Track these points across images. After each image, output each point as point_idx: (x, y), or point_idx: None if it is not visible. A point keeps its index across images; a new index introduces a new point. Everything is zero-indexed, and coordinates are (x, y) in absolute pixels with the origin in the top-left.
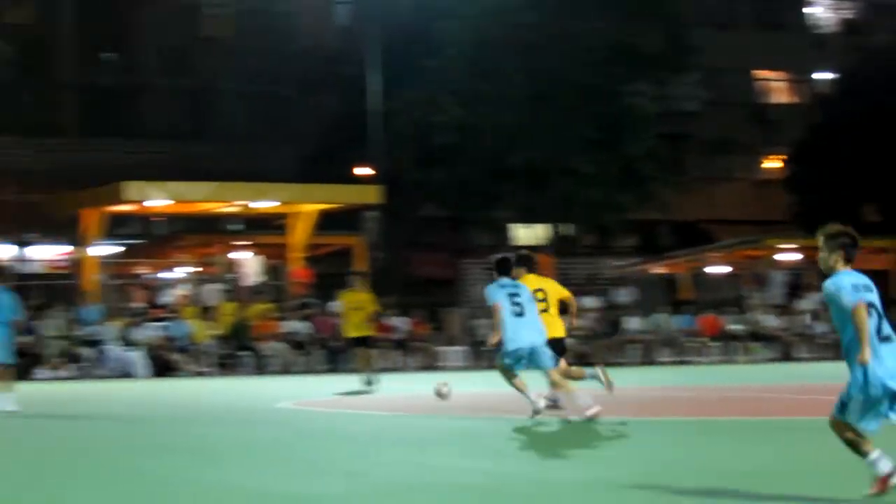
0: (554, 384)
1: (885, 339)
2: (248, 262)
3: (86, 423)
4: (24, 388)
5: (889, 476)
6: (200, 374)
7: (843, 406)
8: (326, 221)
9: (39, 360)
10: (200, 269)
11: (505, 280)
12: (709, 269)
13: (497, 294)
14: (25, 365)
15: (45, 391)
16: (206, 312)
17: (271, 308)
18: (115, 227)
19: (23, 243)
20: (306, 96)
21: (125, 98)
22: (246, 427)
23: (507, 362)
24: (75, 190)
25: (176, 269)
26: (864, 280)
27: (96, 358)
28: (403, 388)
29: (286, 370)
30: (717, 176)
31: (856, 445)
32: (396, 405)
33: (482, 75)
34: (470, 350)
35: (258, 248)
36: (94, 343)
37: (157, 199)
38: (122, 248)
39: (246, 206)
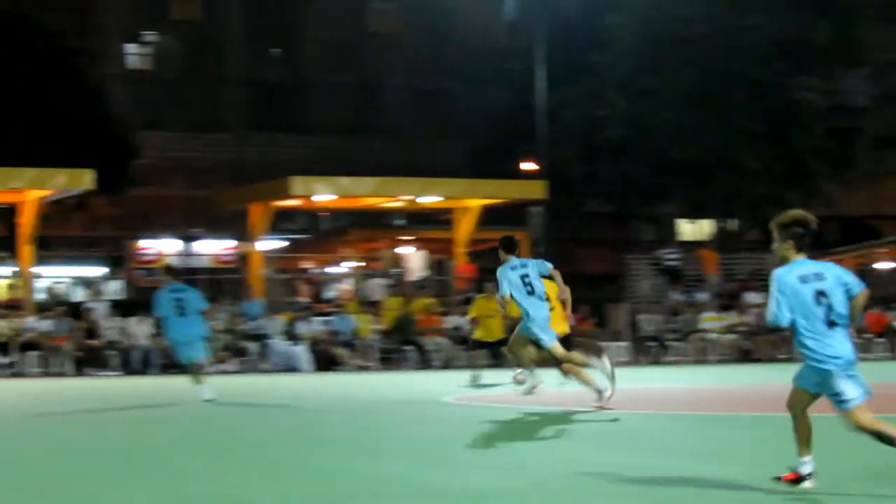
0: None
1: (832, 324)
2: (413, 257)
3: (251, 416)
4: (186, 381)
5: None
6: (364, 368)
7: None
8: (490, 216)
9: None
10: (365, 263)
11: (514, 261)
12: (875, 265)
13: (511, 276)
14: None
15: (211, 385)
16: (370, 307)
17: (435, 303)
18: (281, 222)
19: (189, 238)
20: (472, 91)
21: (291, 93)
22: (409, 421)
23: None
24: (241, 185)
25: (341, 264)
26: (816, 269)
27: (261, 352)
28: (568, 383)
29: (449, 365)
30: (884, 171)
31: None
32: (560, 400)
33: (649, 70)
34: (633, 345)
35: (422, 243)
36: (258, 337)
37: (323, 194)
38: (288, 243)
39: (411, 200)
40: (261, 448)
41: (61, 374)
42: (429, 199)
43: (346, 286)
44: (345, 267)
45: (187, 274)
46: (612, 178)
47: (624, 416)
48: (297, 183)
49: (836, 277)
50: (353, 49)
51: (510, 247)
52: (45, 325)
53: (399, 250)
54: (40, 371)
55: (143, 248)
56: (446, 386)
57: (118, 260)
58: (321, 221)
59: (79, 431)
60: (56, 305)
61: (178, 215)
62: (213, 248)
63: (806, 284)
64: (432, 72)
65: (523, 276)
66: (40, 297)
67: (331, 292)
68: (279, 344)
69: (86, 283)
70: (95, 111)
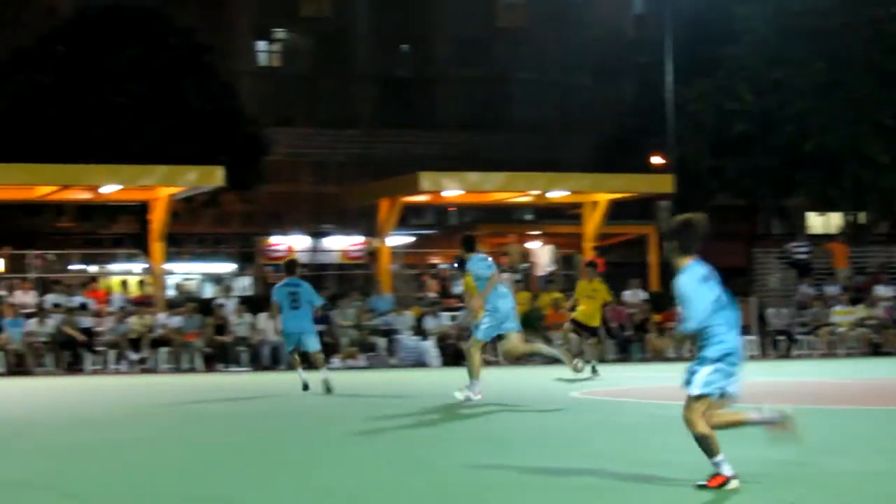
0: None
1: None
2: (540, 252)
3: (379, 411)
4: (313, 377)
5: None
6: (492, 363)
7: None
8: (618, 210)
9: (333, 349)
10: (493, 258)
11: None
12: None
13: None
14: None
15: (339, 380)
16: None
17: (563, 297)
18: (409, 218)
19: (318, 234)
20: (600, 85)
21: (420, 89)
22: (538, 416)
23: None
24: (369, 181)
25: None
26: (707, 269)
27: (389, 348)
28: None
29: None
30: None
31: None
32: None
33: (778, 62)
34: (762, 339)
35: (550, 238)
36: (387, 332)
37: (452, 190)
38: (416, 238)
39: (539, 195)
40: (386, 442)
41: (191, 371)
42: (557, 194)
43: None
44: None
45: (316, 269)
46: (741, 172)
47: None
48: (426, 178)
49: None
50: (482, 44)
51: (471, 245)
52: (176, 321)
53: (527, 245)
54: (170, 367)
55: (272, 245)
56: (574, 381)
57: (248, 256)
58: (449, 217)
59: (214, 427)
60: (186, 302)
61: (307, 211)
62: (341, 243)
63: (706, 283)
64: (560, 66)
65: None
66: (171, 293)
67: (459, 287)
68: (408, 339)
69: (216, 279)
70: (226, 108)
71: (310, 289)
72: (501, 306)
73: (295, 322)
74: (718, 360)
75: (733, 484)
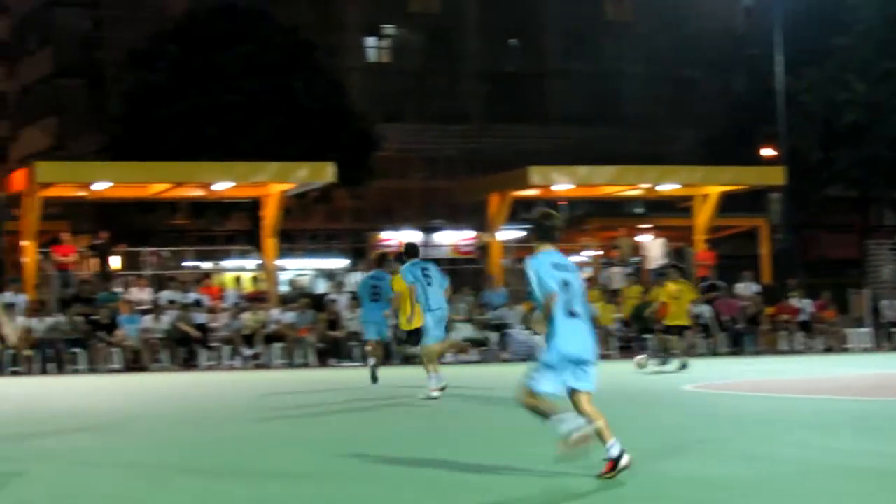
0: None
1: (572, 315)
2: (651, 245)
3: (491, 407)
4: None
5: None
6: (603, 357)
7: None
8: (729, 202)
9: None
10: (604, 252)
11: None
12: None
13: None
14: None
15: (452, 374)
16: (610, 295)
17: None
18: (520, 212)
19: (429, 229)
20: (709, 77)
21: (529, 84)
22: (649, 410)
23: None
24: (479, 175)
25: (580, 253)
26: (563, 260)
27: (501, 342)
28: (807, 370)
29: (689, 353)
30: None
31: (538, 410)
32: (799, 387)
33: (889, 51)
34: (875, 331)
35: (661, 231)
36: (499, 327)
37: (562, 184)
38: (527, 233)
39: (650, 188)
40: (499, 438)
41: (304, 366)
42: (667, 187)
43: (586, 275)
44: (584, 256)
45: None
46: (852, 163)
47: (864, 403)
48: (536, 173)
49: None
50: (590, 38)
51: (413, 252)
52: (289, 317)
53: (637, 238)
54: (284, 363)
55: (383, 240)
56: (685, 374)
57: (359, 252)
58: (560, 210)
59: (331, 422)
60: (299, 298)
61: (418, 207)
62: (452, 238)
63: (557, 272)
64: (669, 59)
65: (424, 270)
66: (284, 289)
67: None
68: (519, 333)
69: (328, 275)
70: (336, 105)
71: (389, 283)
72: (440, 314)
73: (373, 313)
74: (557, 360)
75: (580, 438)
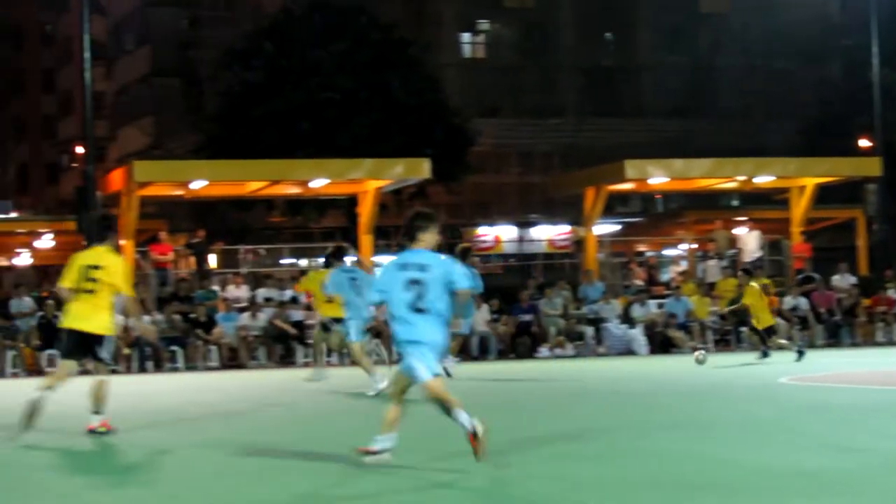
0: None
1: (419, 311)
2: (747, 238)
3: (588, 399)
4: (525, 366)
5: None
6: (701, 349)
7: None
8: (825, 194)
9: (541, 338)
10: (699, 245)
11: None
12: None
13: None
14: (528, 343)
15: (547, 369)
16: (706, 289)
17: (771, 283)
18: (616, 206)
19: (525, 224)
20: (804, 69)
21: (624, 77)
22: (745, 403)
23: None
24: (575, 169)
25: (675, 246)
26: (419, 259)
27: (597, 336)
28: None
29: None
30: None
31: (441, 402)
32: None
33: None
34: None
35: (757, 223)
36: (595, 321)
37: (658, 177)
38: (622, 226)
39: (745, 181)
40: (597, 431)
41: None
42: (763, 179)
43: (682, 268)
44: (680, 249)
45: (523, 259)
46: None
47: None
48: (631, 167)
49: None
50: (685, 31)
51: (340, 256)
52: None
53: (734, 231)
54: (380, 358)
55: (479, 235)
56: (782, 367)
57: (455, 247)
58: (655, 204)
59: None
60: None
61: (514, 201)
62: (547, 233)
63: (404, 272)
64: (763, 51)
65: (351, 278)
66: None
67: (666, 275)
68: (616, 327)
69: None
70: (431, 101)
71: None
72: (364, 312)
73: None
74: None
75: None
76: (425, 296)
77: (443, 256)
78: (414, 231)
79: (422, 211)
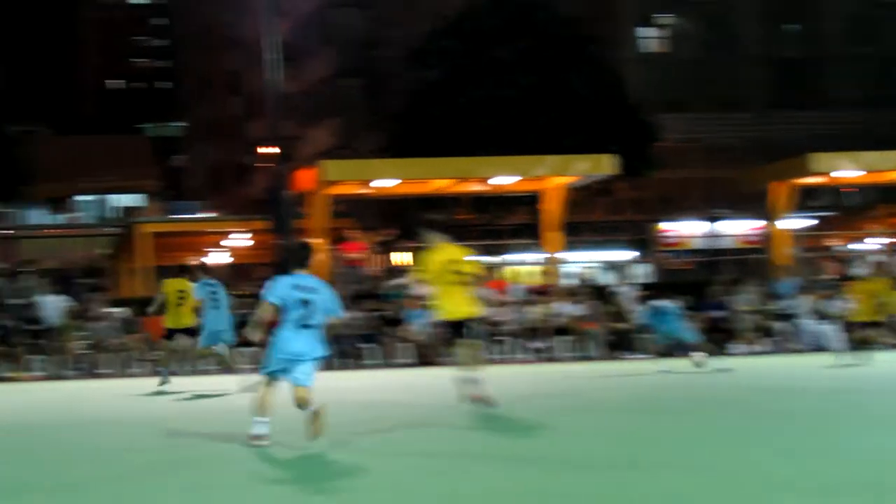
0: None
1: (306, 326)
2: None
3: (784, 395)
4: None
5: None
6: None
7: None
8: None
9: (734, 334)
10: (893, 239)
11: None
12: None
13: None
14: (719, 340)
15: (740, 365)
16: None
17: None
18: (806, 200)
19: (713, 218)
20: None
21: (810, 69)
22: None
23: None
24: (762, 163)
25: (868, 241)
26: (308, 283)
27: (790, 332)
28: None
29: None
30: None
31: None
32: None
33: None
34: None
35: None
36: (787, 317)
37: (847, 170)
38: (814, 221)
39: None
40: (800, 427)
41: (589, 358)
42: None
43: (871, 263)
44: (872, 243)
45: (712, 255)
46: None
47: None
48: (818, 160)
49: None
50: (871, 21)
51: (205, 271)
52: (575, 309)
53: None
54: (572, 356)
55: (665, 231)
56: None
57: (642, 243)
58: (846, 198)
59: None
60: (585, 290)
61: (700, 197)
62: (736, 228)
63: (291, 291)
64: None
65: (213, 293)
66: (570, 282)
67: (858, 269)
68: (809, 323)
69: (613, 267)
70: (614, 96)
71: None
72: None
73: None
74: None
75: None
76: (312, 315)
77: (325, 284)
78: (304, 258)
79: (307, 242)
